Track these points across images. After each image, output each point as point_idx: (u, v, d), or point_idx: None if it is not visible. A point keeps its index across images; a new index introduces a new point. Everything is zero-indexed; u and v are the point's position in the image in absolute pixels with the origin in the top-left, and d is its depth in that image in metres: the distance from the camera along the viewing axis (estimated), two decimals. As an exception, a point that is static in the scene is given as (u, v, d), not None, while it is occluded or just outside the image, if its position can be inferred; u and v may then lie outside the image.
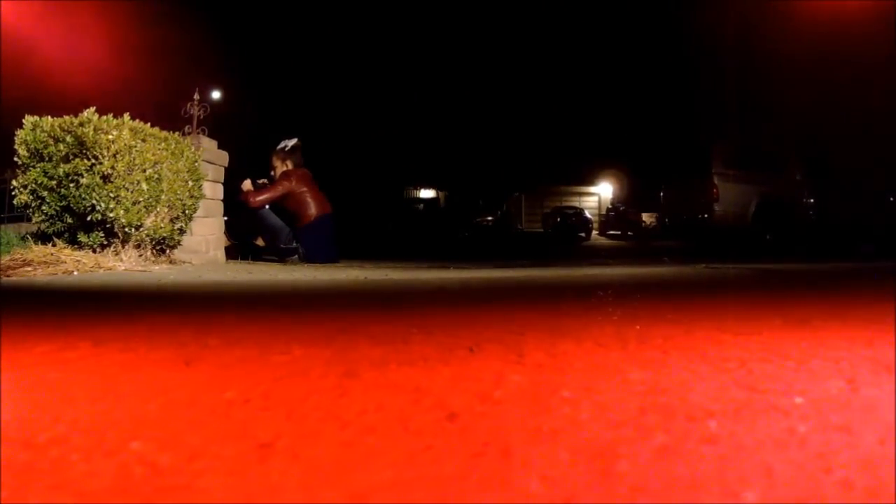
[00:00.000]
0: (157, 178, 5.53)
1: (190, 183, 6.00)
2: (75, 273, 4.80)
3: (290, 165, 7.84)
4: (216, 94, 26.78)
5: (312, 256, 7.42)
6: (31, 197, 5.38)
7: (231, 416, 1.26)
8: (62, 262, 4.98)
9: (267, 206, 7.52)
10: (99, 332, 2.18)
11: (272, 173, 7.85)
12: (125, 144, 5.31)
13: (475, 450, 1.09)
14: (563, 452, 1.08)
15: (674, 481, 0.96)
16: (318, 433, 1.16)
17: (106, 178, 5.23)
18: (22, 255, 5.03)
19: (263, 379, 1.55)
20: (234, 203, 7.53)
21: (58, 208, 5.36)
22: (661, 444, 1.11)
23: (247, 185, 7.60)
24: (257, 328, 2.30)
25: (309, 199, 7.64)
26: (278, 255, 7.44)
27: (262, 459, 1.02)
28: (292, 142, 7.92)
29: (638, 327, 2.32)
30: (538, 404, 1.36)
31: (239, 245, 7.58)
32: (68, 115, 5.50)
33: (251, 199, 7.39)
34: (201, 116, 6.76)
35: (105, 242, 5.41)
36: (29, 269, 4.79)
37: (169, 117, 6.66)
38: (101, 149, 5.21)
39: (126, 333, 2.14)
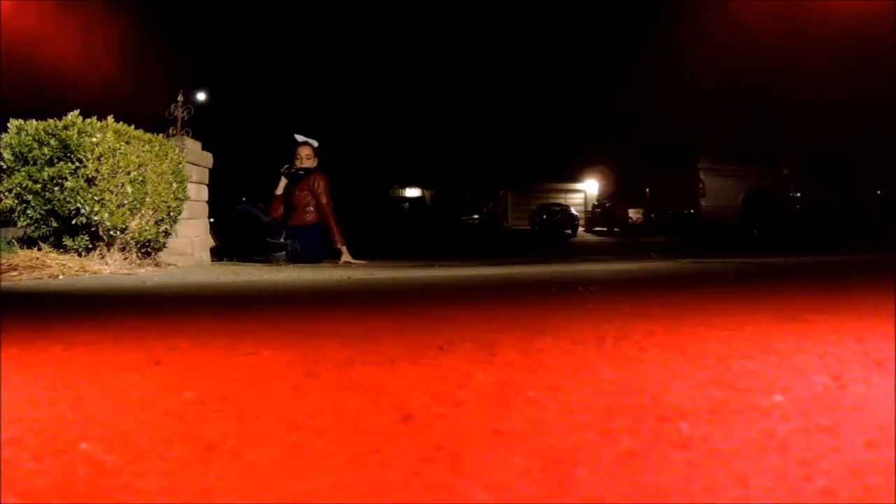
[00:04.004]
0: (142, 181, 5.52)
1: (174, 185, 6.00)
2: (61, 277, 4.79)
3: (316, 162, 8.03)
4: (201, 96, 26.78)
5: (304, 255, 7.44)
6: (16, 201, 5.37)
7: (184, 418, 1.26)
8: (48, 267, 4.98)
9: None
10: (72, 334, 2.19)
11: (297, 161, 7.95)
12: (109, 147, 5.30)
13: (425, 454, 1.05)
14: (517, 458, 1.03)
15: (635, 491, 0.90)
16: (266, 435, 1.16)
17: (90, 181, 5.22)
18: (7, 259, 5.03)
19: (223, 380, 1.56)
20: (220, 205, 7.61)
21: (43, 212, 5.35)
22: (627, 449, 1.06)
23: (281, 188, 7.89)
24: (229, 329, 2.31)
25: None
26: (267, 250, 7.44)
27: (204, 461, 1.03)
28: (315, 142, 8.12)
29: (618, 323, 2.29)
30: (501, 405, 1.32)
31: (224, 247, 7.59)
32: (52, 118, 5.49)
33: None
34: (185, 118, 6.75)
35: (90, 246, 5.41)
36: (14, 273, 4.79)
37: (154, 118, 6.66)
38: (85, 152, 5.21)
39: (97, 336, 2.15)
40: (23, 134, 5.38)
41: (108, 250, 5.46)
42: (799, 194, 14.92)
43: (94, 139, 5.26)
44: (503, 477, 0.96)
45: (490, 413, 1.28)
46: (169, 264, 6.09)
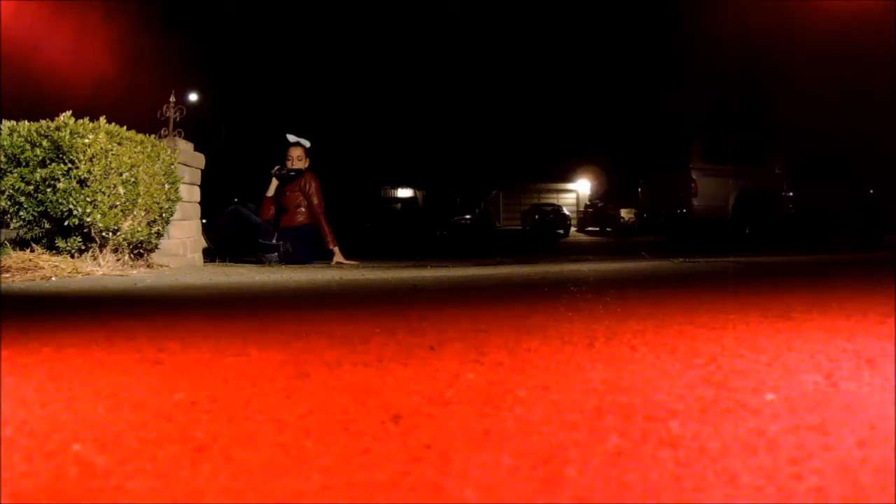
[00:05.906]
0: (134, 182, 5.51)
1: (166, 186, 5.99)
2: (53, 279, 4.79)
3: (307, 164, 7.97)
4: (193, 97, 26.73)
5: (295, 256, 7.43)
6: (8, 203, 5.35)
7: (174, 419, 1.28)
8: (40, 268, 4.97)
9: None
10: (63, 336, 2.19)
11: (289, 162, 7.88)
12: (101, 148, 5.29)
13: (414, 454, 1.06)
14: (506, 457, 1.03)
15: (624, 490, 0.90)
16: (256, 435, 1.17)
17: (83, 183, 5.21)
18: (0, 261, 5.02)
19: (214, 381, 1.56)
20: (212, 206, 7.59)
21: (35, 214, 5.34)
22: (615, 448, 1.06)
23: (272, 190, 7.84)
24: (219, 331, 2.31)
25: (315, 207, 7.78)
26: (259, 251, 7.43)
27: (195, 462, 1.04)
28: (307, 143, 8.05)
29: (608, 323, 2.29)
30: (490, 405, 1.32)
31: (216, 248, 7.57)
32: (45, 119, 5.48)
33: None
34: (177, 119, 6.73)
35: (83, 247, 5.39)
36: (7, 275, 4.78)
37: (147, 119, 6.64)
38: (77, 153, 5.19)
39: (89, 338, 2.15)
40: (15, 135, 5.37)
41: (101, 252, 5.45)
42: (791, 194, 14.93)
43: (87, 140, 5.24)
44: (492, 476, 0.97)
45: (479, 413, 1.28)
46: (161, 265, 6.08)
